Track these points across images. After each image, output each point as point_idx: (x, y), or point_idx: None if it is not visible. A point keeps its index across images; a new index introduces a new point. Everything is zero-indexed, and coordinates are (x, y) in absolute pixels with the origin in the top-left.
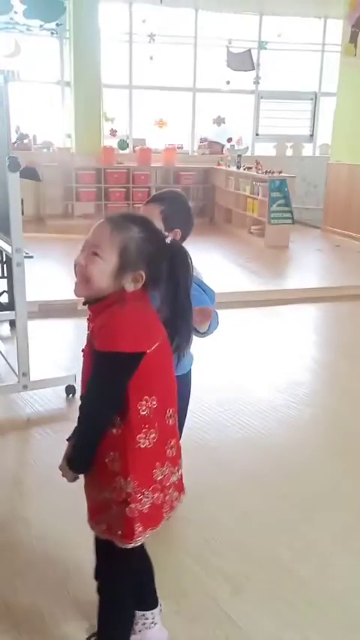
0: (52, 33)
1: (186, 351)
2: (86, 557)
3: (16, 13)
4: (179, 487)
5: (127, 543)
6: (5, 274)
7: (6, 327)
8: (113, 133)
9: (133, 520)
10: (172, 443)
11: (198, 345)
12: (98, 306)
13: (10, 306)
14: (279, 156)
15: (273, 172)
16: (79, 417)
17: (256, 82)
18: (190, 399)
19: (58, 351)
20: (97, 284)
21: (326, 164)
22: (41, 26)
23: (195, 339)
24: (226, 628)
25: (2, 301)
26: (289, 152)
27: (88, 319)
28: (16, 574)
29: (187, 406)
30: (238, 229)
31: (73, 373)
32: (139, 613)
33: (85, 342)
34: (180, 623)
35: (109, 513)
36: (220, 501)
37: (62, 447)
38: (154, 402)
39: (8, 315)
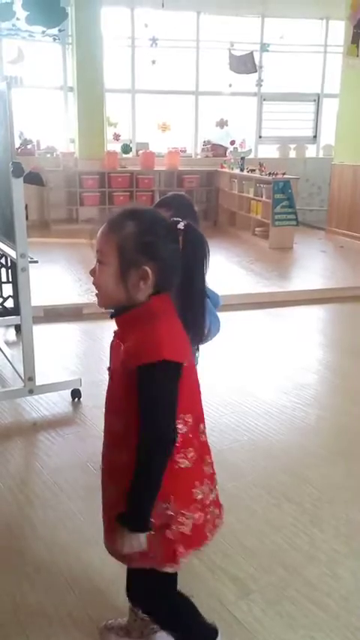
0: (54, 39)
1: (199, 344)
2: (92, 560)
3: (18, 19)
4: (218, 504)
5: (168, 567)
6: (10, 279)
7: (12, 331)
8: (116, 137)
9: (174, 542)
10: (208, 460)
11: (203, 347)
12: (124, 317)
13: (15, 310)
14: (282, 158)
15: (276, 174)
16: (147, 448)
17: (259, 84)
18: None
19: (64, 355)
20: (109, 292)
21: (330, 165)
22: (43, 32)
23: None
24: (234, 631)
25: (8, 306)
26: (292, 154)
27: (114, 333)
28: (23, 577)
29: None
30: (242, 231)
31: (79, 377)
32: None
33: (94, 346)
34: None
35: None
36: (227, 503)
37: (68, 450)
38: (190, 419)
39: (14, 319)
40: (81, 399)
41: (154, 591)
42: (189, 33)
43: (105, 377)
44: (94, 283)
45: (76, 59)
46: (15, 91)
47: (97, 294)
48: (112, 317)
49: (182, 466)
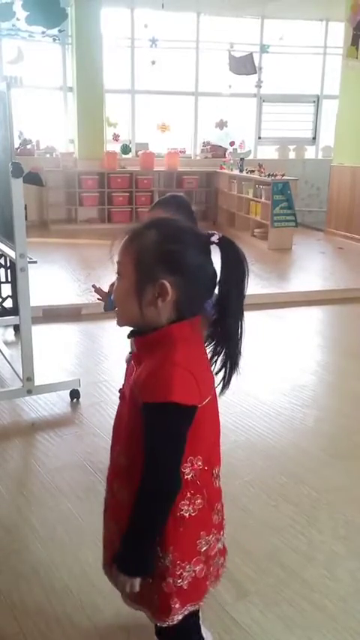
0: (54, 39)
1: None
2: (91, 561)
3: (18, 19)
4: (223, 552)
5: (162, 621)
6: (9, 279)
7: (10, 331)
8: (116, 137)
9: (169, 596)
10: (218, 507)
11: None
12: (142, 339)
13: (14, 310)
14: (281, 159)
15: (276, 175)
16: (145, 491)
17: (258, 85)
18: None
19: (63, 355)
20: (124, 308)
21: (329, 167)
22: (43, 33)
23: None
24: (232, 632)
25: (6, 306)
26: (291, 155)
27: (132, 354)
28: (21, 577)
29: None
30: (241, 232)
31: (78, 378)
32: None
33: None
34: None
35: (143, 582)
36: (225, 505)
37: (67, 451)
38: (200, 463)
39: (12, 319)
40: (79, 400)
41: (179, 632)
42: (189, 34)
43: (104, 377)
44: (112, 298)
45: (75, 59)
46: (15, 91)
47: (116, 311)
48: (129, 337)
49: (185, 514)
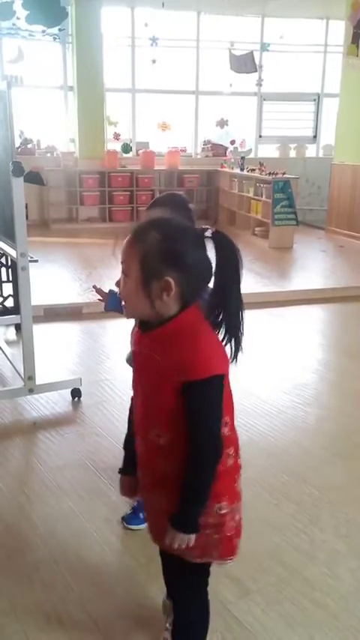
0: (54, 38)
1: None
2: (92, 559)
3: (18, 18)
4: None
5: (228, 559)
6: (10, 278)
7: (12, 331)
8: (117, 136)
9: (231, 537)
10: (240, 452)
11: None
12: (159, 332)
13: (15, 310)
14: (282, 157)
15: (276, 174)
16: (201, 459)
17: (259, 84)
18: None
19: (64, 354)
20: (134, 304)
21: (330, 165)
22: (44, 32)
23: None
24: (234, 631)
25: (8, 305)
26: (292, 153)
27: (143, 345)
28: (22, 575)
29: None
30: (242, 231)
31: (79, 377)
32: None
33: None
34: None
35: (203, 535)
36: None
37: (68, 450)
38: (228, 419)
39: (14, 319)
40: (81, 399)
41: (192, 584)
42: (189, 32)
43: (105, 376)
44: (120, 296)
45: (76, 58)
46: (15, 90)
47: (123, 306)
48: (140, 328)
49: (228, 465)
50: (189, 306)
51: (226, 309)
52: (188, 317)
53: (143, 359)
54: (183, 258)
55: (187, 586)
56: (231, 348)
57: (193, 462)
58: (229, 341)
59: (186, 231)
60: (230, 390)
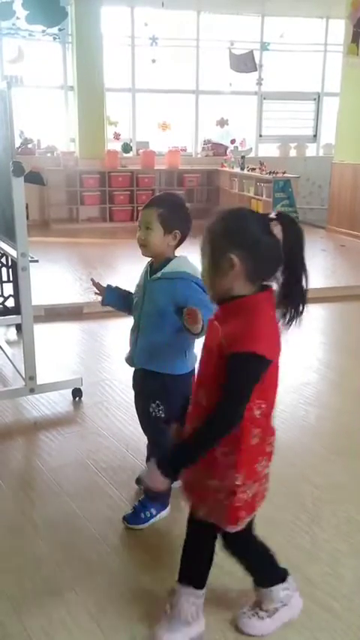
0: (54, 38)
1: (298, 321)
2: (93, 558)
3: (18, 18)
4: (268, 478)
5: (232, 527)
6: (11, 278)
7: (12, 331)
8: (117, 136)
9: (238, 508)
10: (271, 440)
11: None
12: (228, 305)
13: (16, 310)
14: (282, 156)
15: (277, 173)
16: (212, 416)
17: (259, 83)
18: None
19: (65, 354)
20: (208, 282)
21: (330, 164)
22: (43, 31)
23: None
24: (236, 631)
25: (8, 305)
26: (292, 153)
27: (215, 316)
28: (23, 576)
29: None
30: None
31: (80, 377)
32: (281, 586)
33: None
34: None
35: (213, 499)
36: None
37: (69, 449)
38: (264, 406)
39: (14, 319)
40: (82, 399)
41: (240, 541)
42: (189, 32)
43: (106, 376)
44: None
45: (76, 58)
46: (15, 90)
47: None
48: (218, 304)
49: (253, 443)
50: (263, 291)
51: (296, 285)
52: (257, 298)
53: (210, 326)
54: (244, 236)
55: (234, 545)
56: (290, 319)
57: (207, 418)
58: (293, 318)
59: (248, 215)
60: (276, 380)
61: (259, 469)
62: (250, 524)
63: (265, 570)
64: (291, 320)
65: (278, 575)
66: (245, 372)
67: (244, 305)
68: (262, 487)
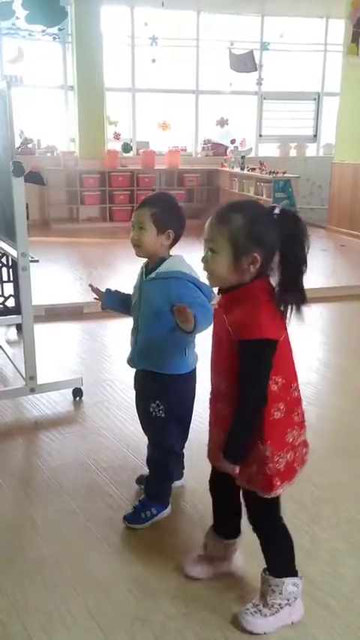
0: (54, 38)
1: (300, 315)
2: (93, 557)
3: (18, 18)
4: (306, 444)
5: (267, 494)
6: (11, 278)
7: (13, 330)
8: (117, 136)
9: (272, 477)
10: (297, 411)
11: (203, 344)
12: (232, 294)
13: (16, 309)
14: (282, 156)
15: (277, 173)
16: (243, 404)
17: (259, 83)
18: (196, 400)
19: (65, 354)
20: (221, 276)
21: (330, 164)
22: (43, 31)
23: (197, 337)
24: (236, 630)
25: (9, 305)
26: (292, 152)
27: (218, 304)
28: (24, 575)
29: (192, 406)
30: None
31: (80, 376)
32: (291, 579)
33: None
34: (189, 625)
35: (250, 469)
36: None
37: (70, 449)
38: (280, 379)
39: (15, 319)
40: (82, 398)
41: (268, 514)
42: (189, 32)
43: (106, 375)
44: (205, 269)
45: (76, 58)
46: (15, 90)
47: (208, 277)
48: (219, 293)
49: (276, 417)
50: (261, 278)
51: (295, 273)
52: (259, 286)
53: (217, 315)
54: (265, 237)
55: (263, 517)
56: (291, 311)
57: (238, 406)
58: (293, 309)
59: (264, 213)
60: (289, 353)
61: (290, 439)
62: (278, 505)
63: (283, 556)
64: (293, 312)
65: (292, 568)
66: (258, 358)
67: (247, 292)
68: (298, 454)
